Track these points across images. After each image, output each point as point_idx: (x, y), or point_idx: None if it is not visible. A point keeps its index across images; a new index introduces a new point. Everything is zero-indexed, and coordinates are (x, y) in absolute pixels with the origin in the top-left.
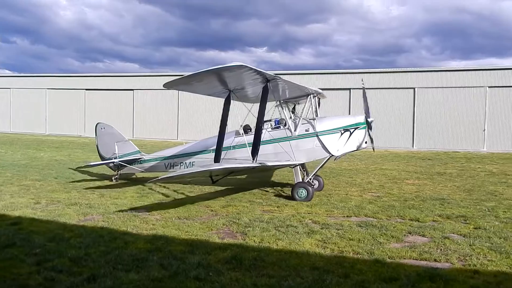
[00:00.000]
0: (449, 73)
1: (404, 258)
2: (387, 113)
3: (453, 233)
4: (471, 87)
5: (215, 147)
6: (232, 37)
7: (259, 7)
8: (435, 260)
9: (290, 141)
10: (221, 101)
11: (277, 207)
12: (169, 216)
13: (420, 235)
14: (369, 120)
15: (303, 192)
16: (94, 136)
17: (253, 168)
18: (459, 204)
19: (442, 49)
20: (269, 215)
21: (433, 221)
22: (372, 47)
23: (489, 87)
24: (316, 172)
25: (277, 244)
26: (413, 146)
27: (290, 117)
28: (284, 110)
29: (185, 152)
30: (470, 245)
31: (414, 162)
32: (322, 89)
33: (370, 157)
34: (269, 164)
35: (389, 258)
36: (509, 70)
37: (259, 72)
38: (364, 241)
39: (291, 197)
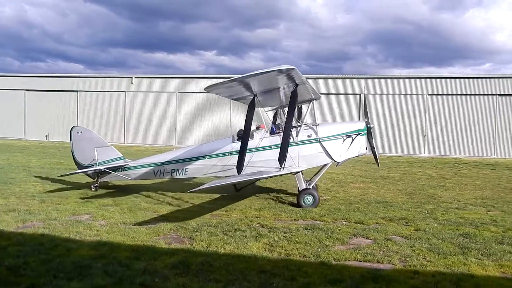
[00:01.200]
0: (393, 80)
1: (349, 260)
2: (334, 118)
3: (395, 235)
4: (412, 94)
5: (211, 153)
6: (181, 40)
7: (208, 11)
8: (378, 262)
9: (292, 147)
10: (168, 103)
11: (225, 211)
12: (114, 222)
13: (364, 237)
14: (370, 126)
15: (309, 199)
16: (69, 141)
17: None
18: (401, 207)
19: (386, 57)
20: (217, 220)
21: (377, 223)
22: (320, 53)
23: (428, 94)
24: (318, 178)
25: (225, 248)
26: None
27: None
28: (285, 115)
29: (178, 158)
30: (410, 247)
31: (360, 166)
32: None
33: None
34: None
35: (334, 260)
36: (446, 79)
37: (300, 76)
38: (310, 244)
39: (297, 205)
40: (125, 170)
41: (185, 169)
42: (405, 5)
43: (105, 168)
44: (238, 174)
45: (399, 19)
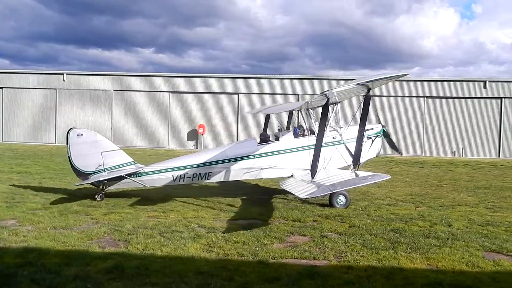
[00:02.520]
0: (330, 81)
1: (286, 258)
2: (274, 118)
3: (331, 232)
4: None
5: (236, 156)
6: (117, 36)
7: (145, 7)
8: (314, 258)
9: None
10: (103, 101)
11: (162, 213)
12: (43, 226)
13: (301, 235)
14: (385, 128)
15: (342, 199)
16: (65, 144)
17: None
18: None
19: (323, 59)
20: (154, 221)
21: (313, 221)
22: (260, 54)
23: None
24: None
25: (162, 251)
26: None
27: (314, 124)
28: (311, 117)
29: (200, 162)
30: (345, 243)
31: None
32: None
33: None
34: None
35: (272, 258)
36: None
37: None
38: (248, 243)
39: (330, 205)
40: (139, 176)
41: (208, 173)
42: (340, 9)
43: (125, 174)
44: (312, 178)
45: (335, 22)
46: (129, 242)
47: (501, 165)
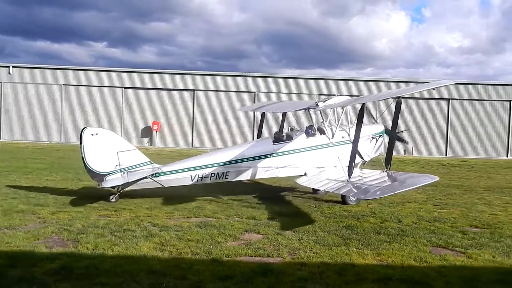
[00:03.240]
0: (286, 79)
1: (240, 256)
2: (230, 115)
3: (285, 229)
4: (304, 93)
5: (253, 155)
6: (67, 28)
7: None
8: (268, 256)
9: (328, 148)
10: (52, 96)
11: (114, 211)
12: None
13: (255, 233)
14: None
15: (354, 197)
16: (79, 144)
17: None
18: (292, 202)
19: (280, 57)
20: (105, 220)
21: (268, 218)
22: (216, 50)
23: (318, 94)
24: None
25: (113, 250)
26: None
27: (324, 124)
28: (323, 117)
29: (218, 162)
30: (299, 240)
31: None
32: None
33: None
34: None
35: (226, 256)
36: (334, 81)
37: None
38: (202, 241)
39: (342, 202)
40: (156, 176)
41: (226, 172)
42: (297, 8)
43: (150, 175)
44: (348, 178)
45: (292, 21)
46: (78, 241)
47: (448, 164)
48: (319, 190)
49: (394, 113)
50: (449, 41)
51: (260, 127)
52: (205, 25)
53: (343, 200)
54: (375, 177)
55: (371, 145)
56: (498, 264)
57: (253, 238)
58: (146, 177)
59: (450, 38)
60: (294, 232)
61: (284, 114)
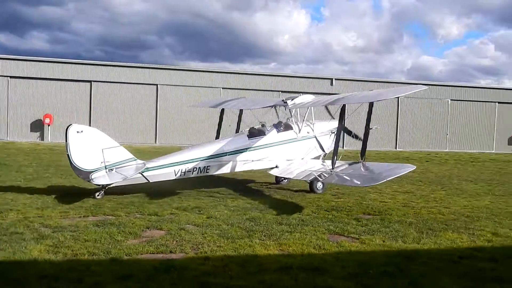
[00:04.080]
0: (190, 72)
1: (142, 254)
2: (131, 108)
3: (188, 224)
4: (208, 87)
5: (231, 150)
6: None
7: None
8: (171, 252)
9: (296, 142)
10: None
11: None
12: None
13: (158, 229)
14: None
15: (320, 185)
16: (64, 142)
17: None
18: (195, 197)
19: (183, 50)
20: None
21: (171, 214)
22: (115, 40)
23: (222, 88)
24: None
25: None
26: (156, 142)
27: (291, 120)
28: (291, 114)
29: (199, 157)
30: (202, 234)
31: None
32: (59, 79)
33: None
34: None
35: (126, 255)
36: (238, 75)
37: None
38: (101, 240)
39: (310, 190)
40: (143, 172)
41: (207, 167)
42: (200, 0)
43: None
44: (332, 168)
45: (195, 13)
46: None
47: (345, 156)
48: (283, 180)
49: (368, 112)
50: (345, 40)
51: (220, 124)
52: (104, 12)
53: (311, 188)
54: (354, 167)
55: (331, 139)
56: (387, 247)
57: (155, 234)
58: (140, 173)
59: (346, 38)
60: (197, 226)
61: (241, 111)
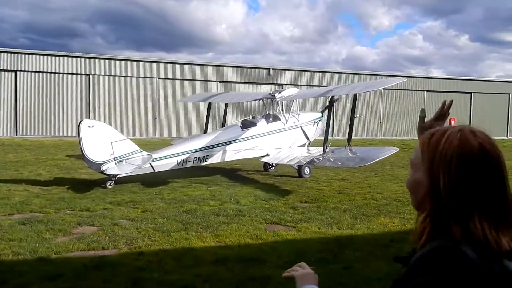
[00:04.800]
0: (124, 62)
1: (72, 251)
2: (61, 99)
3: (122, 219)
4: (143, 77)
5: (227, 141)
6: None
7: None
8: (103, 248)
9: (283, 132)
10: None
11: None
12: None
13: (89, 225)
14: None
15: (307, 170)
16: (77, 136)
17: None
18: (131, 190)
19: (117, 38)
20: None
21: (104, 209)
22: (43, 27)
23: (158, 78)
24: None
25: None
26: None
27: (279, 112)
28: (280, 107)
29: (199, 147)
30: (137, 229)
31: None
32: None
33: (42, 147)
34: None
35: (55, 253)
36: (176, 64)
37: None
38: (27, 239)
39: (298, 175)
40: (151, 162)
41: (206, 156)
42: None
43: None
44: (324, 153)
45: (129, 0)
46: None
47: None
48: (271, 168)
49: (353, 102)
50: (282, 30)
51: (208, 118)
52: None
53: (299, 173)
54: (343, 152)
55: (314, 128)
56: (323, 234)
57: (87, 231)
58: (148, 164)
59: (283, 27)
60: (132, 221)
61: (226, 105)
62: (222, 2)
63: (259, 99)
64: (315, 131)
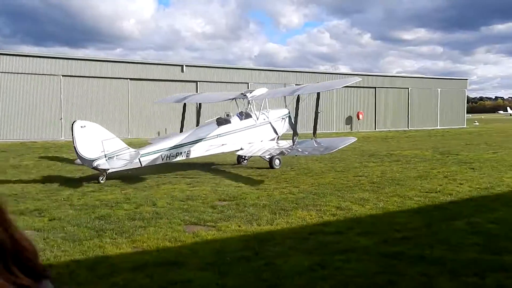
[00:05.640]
0: (23, 58)
1: None
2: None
3: (27, 230)
4: (46, 74)
5: (205, 137)
6: None
7: None
8: None
9: (255, 128)
10: None
11: None
12: None
13: None
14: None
15: (277, 162)
16: (71, 137)
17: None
18: (35, 197)
19: (14, 32)
20: None
21: None
22: None
23: (63, 75)
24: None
25: None
26: None
27: (250, 109)
28: (250, 105)
29: (181, 143)
30: (44, 239)
31: None
32: None
33: None
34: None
35: None
36: (80, 61)
37: None
38: None
39: (270, 166)
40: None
41: (187, 151)
42: None
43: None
44: (293, 144)
45: None
46: None
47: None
48: (244, 161)
49: (316, 99)
50: (194, 26)
51: (183, 117)
52: None
53: (270, 165)
54: (309, 143)
55: (282, 124)
56: (243, 232)
57: None
58: (137, 159)
59: (194, 24)
60: (38, 231)
61: (200, 105)
62: None
63: (232, 99)
64: (283, 126)
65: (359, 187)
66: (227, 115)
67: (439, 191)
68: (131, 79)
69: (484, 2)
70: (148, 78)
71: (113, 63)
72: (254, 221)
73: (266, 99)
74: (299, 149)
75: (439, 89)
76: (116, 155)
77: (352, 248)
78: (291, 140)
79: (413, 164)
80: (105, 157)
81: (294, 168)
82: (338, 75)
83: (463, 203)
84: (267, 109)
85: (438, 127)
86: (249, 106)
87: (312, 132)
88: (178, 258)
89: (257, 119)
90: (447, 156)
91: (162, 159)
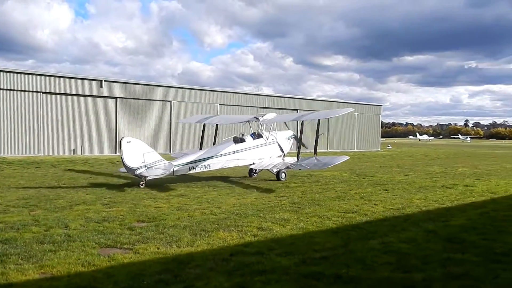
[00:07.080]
0: None
1: None
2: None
3: None
4: None
5: (224, 152)
6: None
7: None
8: None
9: (265, 146)
10: None
11: None
12: None
13: None
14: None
15: (283, 175)
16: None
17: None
18: None
19: None
20: None
21: None
22: None
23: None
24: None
25: None
26: None
27: (261, 130)
28: (262, 127)
29: (205, 157)
30: None
31: None
32: None
33: None
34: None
35: None
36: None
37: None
38: None
39: (277, 179)
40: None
41: (209, 164)
42: None
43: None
44: (297, 160)
45: None
46: None
47: (117, 161)
48: (254, 174)
49: (317, 124)
50: (114, 40)
51: (202, 137)
52: None
53: (277, 177)
54: (311, 160)
55: (288, 143)
56: (162, 254)
57: None
58: (171, 169)
59: (115, 38)
60: None
61: (217, 126)
62: (44, 5)
63: (246, 121)
64: (289, 146)
65: (280, 207)
66: (242, 135)
67: (355, 212)
68: (44, 92)
69: (395, 35)
70: (65, 92)
71: (24, 75)
72: (174, 243)
73: (275, 123)
74: (303, 164)
75: (355, 114)
76: (154, 166)
77: (272, 269)
78: (296, 157)
79: (332, 185)
80: (145, 167)
81: (216, 188)
82: (260, 96)
83: (378, 223)
84: (275, 130)
85: (356, 150)
86: (260, 128)
87: (313, 151)
88: (92, 283)
89: (267, 139)
90: (363, 178)
91: (190, 170)
